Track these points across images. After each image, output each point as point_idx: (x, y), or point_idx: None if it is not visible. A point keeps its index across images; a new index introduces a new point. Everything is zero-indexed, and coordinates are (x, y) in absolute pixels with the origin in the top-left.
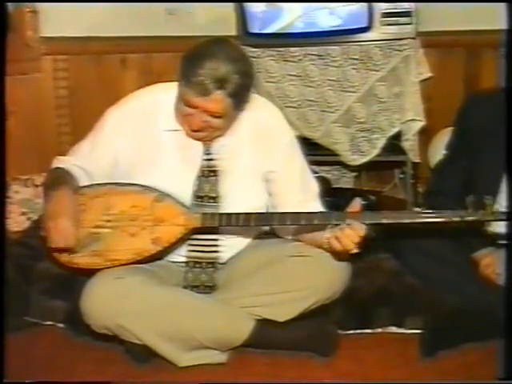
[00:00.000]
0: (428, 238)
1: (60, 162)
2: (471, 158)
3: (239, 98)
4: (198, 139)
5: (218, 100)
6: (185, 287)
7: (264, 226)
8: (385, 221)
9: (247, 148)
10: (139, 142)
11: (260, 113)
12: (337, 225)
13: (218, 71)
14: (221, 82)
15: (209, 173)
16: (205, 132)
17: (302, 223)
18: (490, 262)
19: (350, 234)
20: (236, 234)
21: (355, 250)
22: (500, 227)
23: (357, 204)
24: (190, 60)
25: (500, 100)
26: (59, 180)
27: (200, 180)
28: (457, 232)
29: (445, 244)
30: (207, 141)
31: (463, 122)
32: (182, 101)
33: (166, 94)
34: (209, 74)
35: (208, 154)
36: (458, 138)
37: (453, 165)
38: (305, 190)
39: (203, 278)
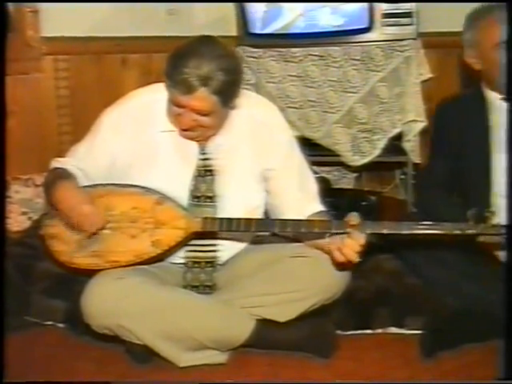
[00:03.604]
0: (428, 238)
1: (58, 163)
2: (453, 158)
3: (225, 95)
4: (191, 139)
5: (202, 97)
6: (184, 287)
7: (264, 232)
8: (385, 231)
9: (244, 146)
10: (136, 143)
11: (257, 111)
12: (337, 233)
13: (201, 69)
14: (204, 80)
15: (205, 172)
16: (195, 131)
17: (303, 231)
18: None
19: (351, 243)
20: (236, 235)
21: (357, 259)
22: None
23: (354, 219)
24: (174, 60)
25: (468, 101)
26: (61, 176)
27: (196, 180)
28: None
29: (445, 245)
30: (202, 140)
31: (438, 130)
32: (170, 101)
33: (162, 94)
34: (192, 72)
35: (204, 153)
36: (437, 143)
37: (437, 163)
38: (304, 188)
39: (202, 278)
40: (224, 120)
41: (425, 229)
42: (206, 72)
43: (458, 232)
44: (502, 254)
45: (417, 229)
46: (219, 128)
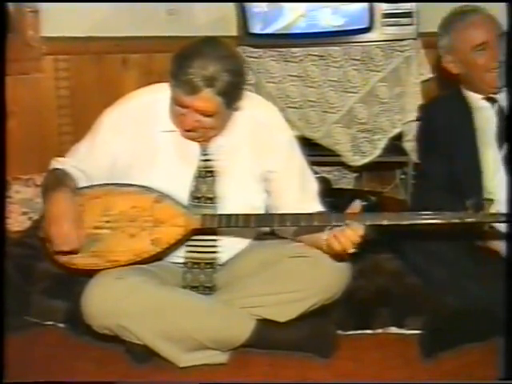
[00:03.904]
0: (429, 237)
1: (58, 163)
2: (445, 157)
3: (230, 97)
4: (193, 139)
5: (206, 98)
6: (184, 288)
7: (264, 227)
8: (385, 222)
9: (245, 147)
10: (137, 143)
11: (258, 112)
12: (337, 226)
13: (206, 70)
14: (209, 81)
15: (206, 173)
16: (198, 132)
17: (302, 224)
18: None
19: (350, 233)
20: (235, 235)
21: (352, 250)
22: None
23: (357, 206)
24: (179, 60)
25: (449, 101)
26: (58, 181)
27: (197, 181)
28: (458, 231)
29: (445, 243)
30: (203, 141)
31: (425, 130)
32: (174, 101)
33: (163, 94)
34: (197, 72)
35: (205, 154)
36: (426, 144)
37: (431, 165)
38: (304, 189)
39: (202, 279)
40: (227, 121)
41: (425, 218)
42: (211, 73)
43: (457, 221)
44: (502, 249)
45: (417, 218)
46: (222, 129)
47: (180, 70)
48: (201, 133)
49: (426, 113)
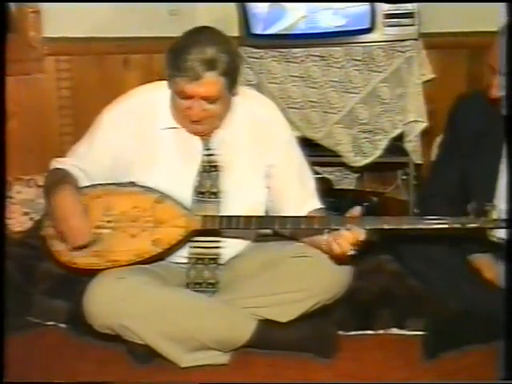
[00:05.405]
0: (429, 240)
1: (59, 163)
2: (464, 159)
3: (231, 78)
4: (198, 132)
5: (210, 82)
6: (187, 284)
7: (264, 229)
8: (386, 226)
9: (246, 141)
10: (138, 140)
11: (257, 106)
12: (337, 229)
13: (205, 54)
14: (210, 63)
15: (210, 168)
16: (204, 123)
17: (303, 227)
18: (490, 265)
19: (348, 236)
20: (237, 236)
21: (351, 252)
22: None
23: (356, 211)
24: (175, 51)
25: (488, 100)
26: (60, 180)
27: (201, 176)
28: (457, 235)
29: (445, 246)
30: (206, 135)
31: (454, 124)
32: (177, 94)
33: (163, 91)
34: (197, 58)
35: (208, 149)
36: (449, 140)
37: (445, 167)
38: (303, 185)
39: (206, 275)
40: (228, 108)
41: (425, 224)
42: (210, 56)
43: (458, 226)
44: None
45: (417, 223)
46: (224, 117)
47: (179, 60)
48: (207, 124)
49: (466, 105)
